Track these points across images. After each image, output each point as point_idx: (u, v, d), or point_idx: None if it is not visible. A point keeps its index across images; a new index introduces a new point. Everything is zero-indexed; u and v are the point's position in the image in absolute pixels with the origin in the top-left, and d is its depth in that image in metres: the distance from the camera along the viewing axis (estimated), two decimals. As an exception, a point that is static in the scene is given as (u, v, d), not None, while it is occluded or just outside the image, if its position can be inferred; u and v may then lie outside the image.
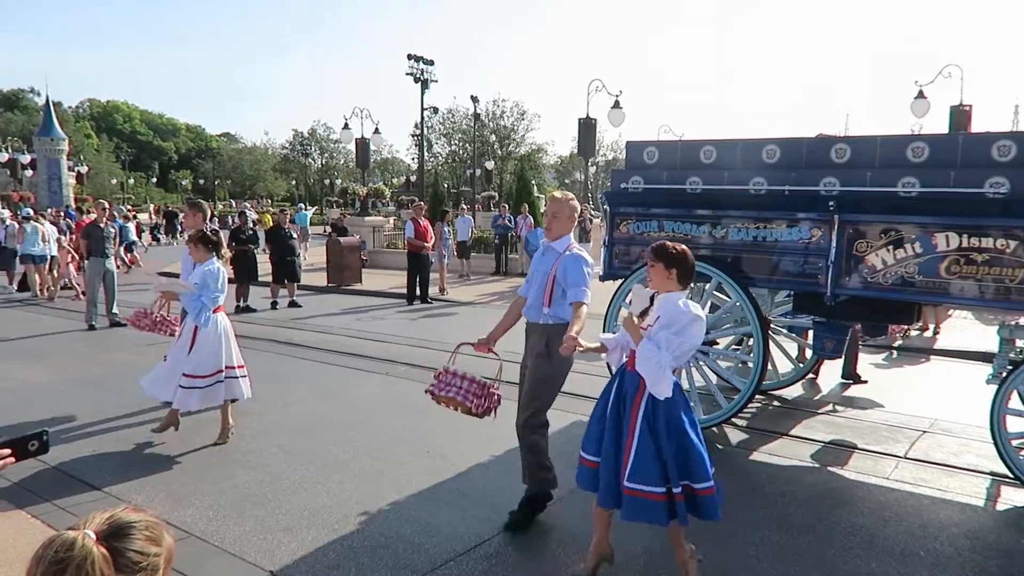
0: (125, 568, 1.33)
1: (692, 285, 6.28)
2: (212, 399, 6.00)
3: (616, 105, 18.51)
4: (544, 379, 4.46)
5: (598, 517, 3.85)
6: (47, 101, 55.53)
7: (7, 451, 1.91)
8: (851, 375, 8.19)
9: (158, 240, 35.49)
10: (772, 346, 7.13)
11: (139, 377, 6.27)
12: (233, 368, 6.06)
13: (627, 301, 3.93)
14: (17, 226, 15.84)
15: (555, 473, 4.60)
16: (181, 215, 40.04)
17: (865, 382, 8.12)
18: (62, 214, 25.28)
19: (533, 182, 31.53)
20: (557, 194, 4.60)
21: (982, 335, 10.47)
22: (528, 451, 4.51)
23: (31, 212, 17.48)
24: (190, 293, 5.92)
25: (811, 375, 8.20)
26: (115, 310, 11.81)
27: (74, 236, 17.22)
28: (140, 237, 29.44)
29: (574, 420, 6.30)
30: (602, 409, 3.81)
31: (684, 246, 3.75)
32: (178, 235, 36.93)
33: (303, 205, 35.03)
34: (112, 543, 1.33)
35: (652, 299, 3.73)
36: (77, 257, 15.52)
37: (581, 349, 3.86)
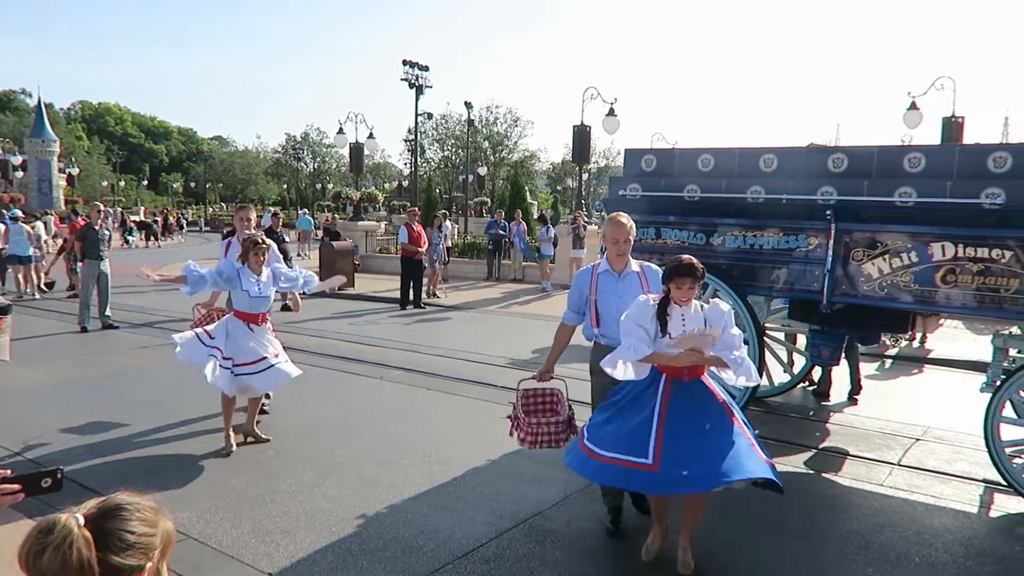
0: (114, 548, 1.33)
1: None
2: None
3: (611, 113, 18.53)
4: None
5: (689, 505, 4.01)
6: (39, 103, 55.18)
7: (17, 486, 1.92)
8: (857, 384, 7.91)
9: (128, 243, 35.05)
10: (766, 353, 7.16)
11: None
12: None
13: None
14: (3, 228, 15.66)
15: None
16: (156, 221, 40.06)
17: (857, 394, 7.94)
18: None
19: (526, 188, 31.61)
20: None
21: (972, 344, 10.57)
22: None
23: (19, 213, 17.36)
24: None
25: (811, 384, 8.17)
26: (108, 312, 11.75)
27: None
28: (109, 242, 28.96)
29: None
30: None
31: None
32: (157, 239, 36.86)
33: (306, 211, 35.22)
34: (100, 524, 1.33)
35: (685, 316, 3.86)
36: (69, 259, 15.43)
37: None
